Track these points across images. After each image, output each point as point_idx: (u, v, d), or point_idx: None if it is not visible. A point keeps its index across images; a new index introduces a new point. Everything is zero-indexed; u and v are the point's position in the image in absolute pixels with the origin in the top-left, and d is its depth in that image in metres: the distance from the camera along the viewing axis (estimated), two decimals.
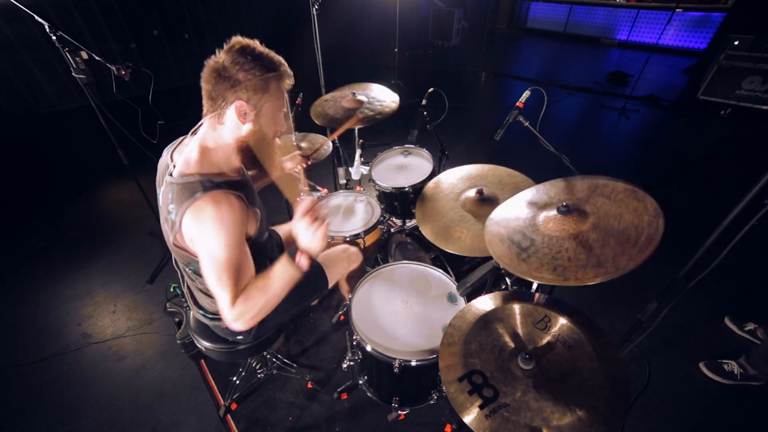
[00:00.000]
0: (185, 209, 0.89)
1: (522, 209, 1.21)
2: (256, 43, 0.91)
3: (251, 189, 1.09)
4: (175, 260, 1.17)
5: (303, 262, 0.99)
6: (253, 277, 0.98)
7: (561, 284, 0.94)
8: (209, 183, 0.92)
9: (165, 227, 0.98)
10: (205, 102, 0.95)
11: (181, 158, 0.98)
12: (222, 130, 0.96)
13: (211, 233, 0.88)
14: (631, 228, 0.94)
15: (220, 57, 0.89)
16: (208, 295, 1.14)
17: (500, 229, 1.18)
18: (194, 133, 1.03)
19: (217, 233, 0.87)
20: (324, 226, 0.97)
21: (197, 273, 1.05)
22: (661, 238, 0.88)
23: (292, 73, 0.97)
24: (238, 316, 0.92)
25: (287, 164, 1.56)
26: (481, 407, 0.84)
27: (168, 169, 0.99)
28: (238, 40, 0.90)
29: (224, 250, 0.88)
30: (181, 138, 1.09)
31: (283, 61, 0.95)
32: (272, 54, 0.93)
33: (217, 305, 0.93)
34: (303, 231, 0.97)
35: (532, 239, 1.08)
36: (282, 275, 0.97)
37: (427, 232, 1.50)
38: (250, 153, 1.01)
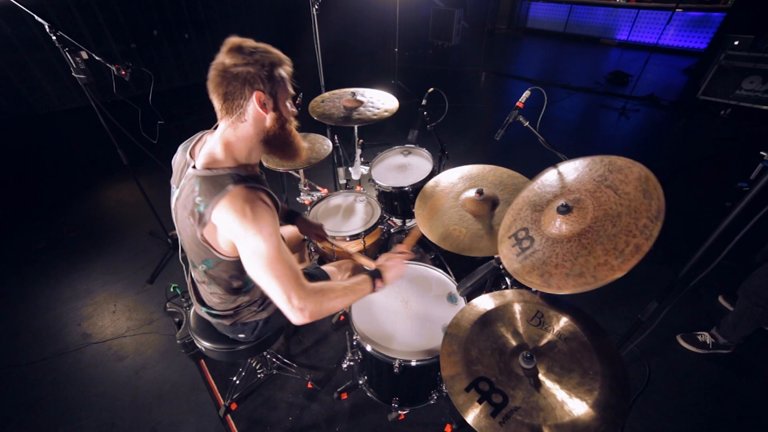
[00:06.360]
0: (216, 202, 0.89)
1: (541, 194, 1.21)
2: (249, 40, 0.93)
3: (266, 183, 1.10)
4: (182, 256, 1.17)
5: (379, 286, 1.12)
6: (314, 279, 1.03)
7: (544, 290, 0.97)
8: (237, 176, 0.93)
9: (189, 220, 0.97)
10: (220, 105, 0.94)
11: (203, 152, 0.99)
12: (244, 127, 0.96)
13: (252, 229, 0.87)
14: (622, 234, 0.91)
15: (223, 58, 0.90)
16: (218, 292, 1.13)
17: (522, 210, 1.21)
18: (214, 129, 1.04)
19: (258, 228, 0.88)
20: (404, 266, 1.20)
21: (211, 270, 1.05)
22: (649, 250, 0.84)
23: (288, 58, 0.99)
24: (304, 307, 0.93)
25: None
26: (493, 415, 0.83)
27: (188, 164, 1.00)
28: (232, 39, 0.91)
29: (268, 243, 0.88)
30: (198, 135, 1.09)
31: (275, 49, 0.97)
32: (266, 45, 0.95)
33: (274, 299, 0.93)
34: (393, 266, 1.17)
35: (532, 239, 1.08)
36: (359, 289, 1.08)
37: (426, 231, 1.50)
38: (272, 143, 1.03)
